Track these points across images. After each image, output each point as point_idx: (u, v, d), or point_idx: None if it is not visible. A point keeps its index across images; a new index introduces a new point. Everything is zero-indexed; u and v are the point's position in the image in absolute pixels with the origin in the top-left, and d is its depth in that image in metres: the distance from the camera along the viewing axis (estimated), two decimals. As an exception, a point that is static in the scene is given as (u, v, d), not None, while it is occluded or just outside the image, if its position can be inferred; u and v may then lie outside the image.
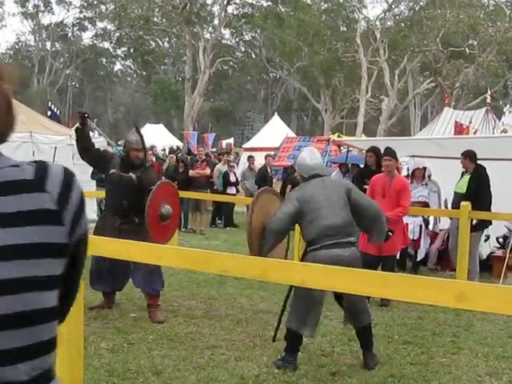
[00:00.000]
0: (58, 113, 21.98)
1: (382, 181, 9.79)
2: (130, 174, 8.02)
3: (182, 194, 14.66)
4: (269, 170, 19.65)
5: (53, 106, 23.20)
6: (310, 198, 6.45)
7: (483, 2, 49.00)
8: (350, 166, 16.47)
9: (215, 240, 16.24)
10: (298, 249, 11.11)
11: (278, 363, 6.42)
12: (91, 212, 16.99)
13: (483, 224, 11.04)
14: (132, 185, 7.98)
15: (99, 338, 7.08)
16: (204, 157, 18.86)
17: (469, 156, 11.00)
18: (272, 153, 22.75)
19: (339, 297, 6.63)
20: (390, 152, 9.94)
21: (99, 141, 19.14)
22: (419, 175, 12.27)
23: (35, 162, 1.74)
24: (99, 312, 8.22)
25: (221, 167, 20.10)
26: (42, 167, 1.72)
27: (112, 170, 8.12)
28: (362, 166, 14.41)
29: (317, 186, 6.56)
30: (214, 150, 31.14)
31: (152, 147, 21.34)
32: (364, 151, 15.28)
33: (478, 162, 11.11)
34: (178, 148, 32.61)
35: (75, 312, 4.48)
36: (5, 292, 1.54)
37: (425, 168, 12.35)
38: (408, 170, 14.92)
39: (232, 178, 19.36)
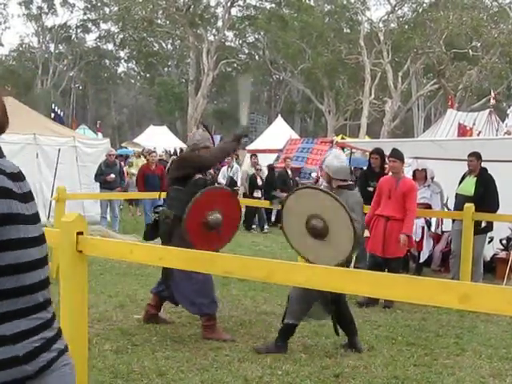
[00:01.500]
0: (61, 115, 22.01)
1: (388, 182, 9.79)
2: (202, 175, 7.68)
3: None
4: (289, 173, 19.59)
5: (56, 108, 23.25)
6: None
7: (486, 3, 49.03)
8: (352, 168, 16.48)
9: (219, 242, 16.22)
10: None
11: (260, 348, 6.78)
12: (95, 214, 17.06)
13: (487, 228, 11.04)
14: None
15: (103, 340, 7.09)
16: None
17: (477, 156, 10.98)
18: (291, 155, 22.62)
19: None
20: (396, 154, 9.93)
21: (103, 143, 19.22)
22: (420, 177, 12.25)
23: None
24: (103, 314, 8.23)
25: (225, 170, 20.13)
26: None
27: (198, 176, 7.55)
28: (365, 168, 14.40)
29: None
30: None
31: (150, 152, 21.28)
32: (368, 153, 15.31)
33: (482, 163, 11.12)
34: (181, 150, 32.57)
35: (79, 314, 4.50)
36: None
37: (425, 169, 12.33)
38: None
39: (259, 182, 19.36)
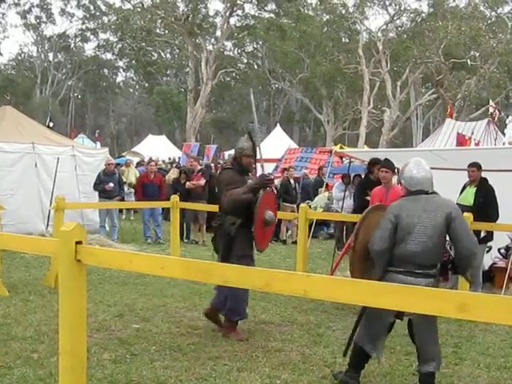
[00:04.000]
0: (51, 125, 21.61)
1: (380, 192, 9.82)
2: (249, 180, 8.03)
3: (184, 205, 14.71)
4: (292, 182, 19.44)
5: (48, 119, 22.89)
6: (407, 216, 6.01)
7: (485, 13, 49.15)
8: (352, 176, 16.49)
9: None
10: (300, 260, 11.17)
11: (339, 375, 6.38)
12: (94, 223, 17.05)
13: (486, 238, 11.04)
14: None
15: (102, 349, 7.09)
16: (199, 167, 18.75)
17: (478, 166, 11.01)
18: (293, 164, 22.57)
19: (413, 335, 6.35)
20: (388, 164, 9.95)
21: (102, 152, 19.23)
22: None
23: None
24: (102, 323, 8.22)
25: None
26: None
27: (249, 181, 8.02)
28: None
29: (417, 206, 6.08)
30: (221, 161, 31.12)
31: (150, 161, 21.30)
32: (366, 162, 15.29)
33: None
34: (174, 160, 32.72)
35: (78, 323, 4.50)
36: None
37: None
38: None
39: None
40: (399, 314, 6.09)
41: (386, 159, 10.09)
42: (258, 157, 8.24)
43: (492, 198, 10.89)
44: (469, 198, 11.06)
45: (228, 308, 7.99)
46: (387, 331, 6.37)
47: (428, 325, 6.03)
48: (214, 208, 19.08)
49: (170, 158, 37.55)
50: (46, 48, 76.66)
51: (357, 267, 6.36)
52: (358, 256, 6.38)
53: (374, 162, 11.41)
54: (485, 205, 10.75)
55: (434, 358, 6.06)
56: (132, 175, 22.25)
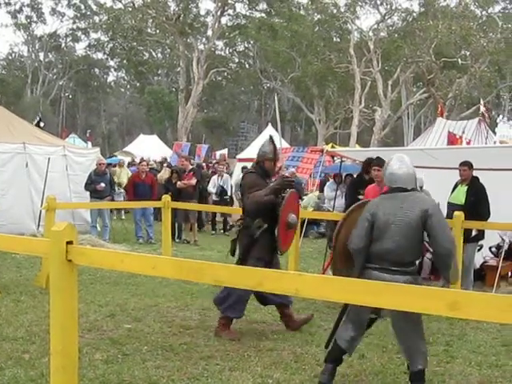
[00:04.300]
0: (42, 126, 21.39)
1: (373, 191, 9.81)
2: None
3: (176, 205, 14.69)
4: None
5: (37, 118, 22.68)
6: (383, 215, 6.00)
7: (475, 13, 49.28)
8: (344, 175, 16.50)
9: (209, 250, 16.22)
10: (291, 259, 11.18)
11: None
12: (85, 223, 17.03)
13: (478, 236, 11.07)
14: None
15: (93, 349, 7.07)
16: (190, 167, 18.75)
17: (469, 165, 11.03)
18: (284, 163, 22.54)
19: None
20: (380, 162, 9.96)
21: (93, 152, 19.20)
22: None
23: None
24: (93, 323, 8.21)
25: (216, 179, 20.11)
26: None
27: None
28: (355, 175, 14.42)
29: (394, 204, 6.04)
30: (214, 161, 31.08)
31: (142, 161, 21.29)
32: (358, 161, 15.30)
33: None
34: (165, 159, 32.66)
35: (69, 324, 4.49)
36: None
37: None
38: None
39: None
40: (376, 310, 6.04)
41: (377, 157, 10.10)
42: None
43: (483, 196, 10.91)
44: (460, 196, 11.08)
45: (227, 304, 7.96)
46: (364, 328, 6.35)
47: (407, 323, 5.96)
48: (206, 208, 19.21)
49: (161, 158, 37.52)
50: (37, 48, 76.50)
51: (339, 266, 6.39)
52: (339, 255, 6.41)
53: (370, 162, 11.38)
54: (476, 203, 10.78)
55: (419, 356, 6.04)
56: (124, 175, 22.22)
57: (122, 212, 23.38)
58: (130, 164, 28.63)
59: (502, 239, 12.41)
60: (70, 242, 4.42)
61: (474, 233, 10.85)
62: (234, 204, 20.32)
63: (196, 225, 18.19)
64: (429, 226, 5.85)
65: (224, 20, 52.24)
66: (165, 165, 23.92)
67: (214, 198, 19.93)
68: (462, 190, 11.12)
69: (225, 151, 39.43)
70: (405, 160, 6.28)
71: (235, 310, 7.99)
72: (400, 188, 6.11)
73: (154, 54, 69.16)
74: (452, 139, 18.53)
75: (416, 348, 6.04)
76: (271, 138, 8.36)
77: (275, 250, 8.05)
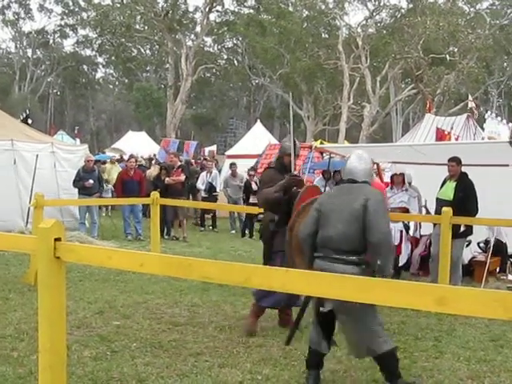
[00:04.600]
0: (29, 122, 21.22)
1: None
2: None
3: (165, 201, 14.68)
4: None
5: (24, 115, 22.49)
6: (327, 203, 6.12)
7: (463, 9, 49.43)
8: (332, 172, 16.50)
9: (198, 247, 16.23)
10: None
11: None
12: (74, 220, 16.99)
13: (466, 232, 11.09)
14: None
15: (82, 347, 7.06)
16: (179, 163, 18.74)
17: (458, 161, 11.05)
18: (271, 160, 22.52)
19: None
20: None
21: (81, 148, 19.14)
22: (398, 181, 12.32)
23: None
24: (82, 321, 8.19)
25: (204, 176, 20.11)
26: None
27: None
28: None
29: (340, 193, 6.20)
30: (203, 157, 31.04)
31: (129, 157, 21.27)
32: (347, 157, 15.22)
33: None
34: (154, 155, 32.60)
35: (57, 321, 4.48)
36: None
37: (402, 174, 12.39)
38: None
39: (254, 187, 19.24)
40: (321, 301, 6.01)
41: None
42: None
43: (471, 192, 10.93)
44: (448, 192, 11.10)
45: (262, 294, 7.87)
46: (329, 323, 6.24)
47: (348, 315, 5.90)
48: (194, 204, 19.20)
49: (149, 155, 37.46)
50: (25, 44, 76.24)
51: (296, 260, 6.39)
52: (294, 249, 6.44)
53: None
54: (464, 199, 10.80)
55: (375, 343, 5.95)
56: (115, 172, 22.17)
57: (109, 208, 23.36)
58: (118, 161, 28.56)
59: (492, 234, 12.41)
60: (58, 239, 4.41)
61: (462, 228, 10.88)
62: (223, 200, 20.33)
63: (185, 221, 18.17)
64: (366, 214, 5.84)
65: (212, 16, 52.30)
66: (153, 161, 23.90)
67: (203, 194, 19.92)
68: (451, 185, 11.14)
69: (213, 148, 39.36)
70: (362, 156, 6.41)
71: (270, 299, 7.87)
72: (350, 179, 6.22)
73: (142, 50, 69.03)
74: (440, 135, 18.59)
75: (368, 339, 5.95)
76: (292, 135, 8.42)
77: None
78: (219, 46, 65.91)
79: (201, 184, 19.99)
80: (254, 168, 21.08)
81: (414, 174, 12.92)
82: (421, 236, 12.99)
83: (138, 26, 53.28)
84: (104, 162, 24.95)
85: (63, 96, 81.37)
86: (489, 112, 20.76)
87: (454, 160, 11.06)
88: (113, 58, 68.04)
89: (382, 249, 5.86)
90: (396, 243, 11.96)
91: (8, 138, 16.33)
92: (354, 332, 6.00)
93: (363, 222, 5.83)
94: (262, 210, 8.63)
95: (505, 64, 59.14)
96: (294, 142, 8.29)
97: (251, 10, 53.60)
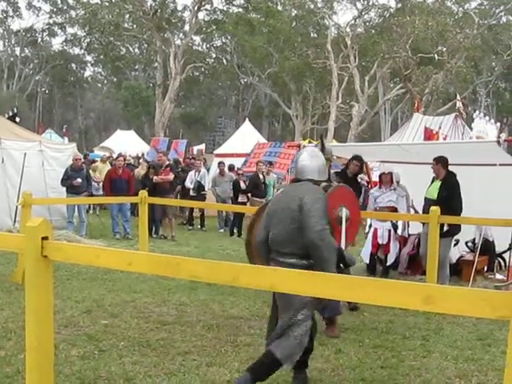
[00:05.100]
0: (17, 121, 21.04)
1: None
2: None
3: (153, 200, 14.66)
4: (261, 177, 19.21)
5: (10, 112, 22.30)
6: (273, 204, 6.09)
7: (452, 9, 49.57)
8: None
9: (187, 246, 16.21)
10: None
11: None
12: (62, 219, 16.95)
13: (454, 230, 11.12)
14: None
15: (70, 346, 7.04)
16: (167, 162, 18.73)
17: (441, 162, 11.08)
18: (261, 158, 22.52)
19: None
20: (359, 157, 10.11)
21: (70, 147, 19.09)
22: (386, 180, 12.32)
23: None
24: (70, 319, 8.17)
25: (193, 174, 20.07)
26: None
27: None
28: (332, 171, 14.42)
29: (285, 193, 6.14)
30: (191, 156, 30.99)
31: (117, 156, 21.24)
32: (335, 157, 15.28)
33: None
34: (142, 154, 32.56)
35: (44, 320, 4.47)
36: None
37: (391, 173, 12.40)
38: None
39: (242, 186, 19.27)
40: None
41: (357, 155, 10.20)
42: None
43: (455, 191, 10.95)
44: (433, 191, 11.15)
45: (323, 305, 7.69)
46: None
47: (281, 304, 5.83)
48: (182, 203, 19.20)
49: (136, 154, 37.40)
50: (13, 42, 75.87)
51: (256, 261, 6.36)
52: (254, 250, 6.42)
53: (355, 158, 11.27)
54: (448, 198, 10.83)
55: (276, 339, 5.79)
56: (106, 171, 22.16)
57: (97, 208, 23.32)
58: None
59: (480, 234, 12.45)
60: (45, 238, 4.40)
61: (445, 228, 10.89)
62: (212, 199, 20.32)
63: (173, 220, 18.15)
64: (301, 214, 5.69)
65: (201, 15, 52.22)
66: (141, 160, 23.85)
67: (192, 193, 19.90)
68: (436, 185, 11.19)
69: (202, 146, 39.33)
70: (312, 154, 6.27)
71: (332, 308, 7.82)
72: (296, 179, 6.19)
73: (131, 49, 68.87)
74: (429, 134, 18.66)
75: (281, 336, 5.78)
76: (321, 136, 8.35)
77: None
78: (208, 45, 65.86)
79: (189, 183, 19.97)
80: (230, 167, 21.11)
81: (402, 173, 12.95)
82: (409, 235, 13.02)
83: (126, 25, 53.20)
84: (93, 161, 24.88)
85: (51, 94, 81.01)
86: (477, 112, 20.85)
87: (434, 160, 11.12)
88: (101, 56, 67.85)
89: (318, 250, 5.59)
90: (384, 242, 12.01)
91: (-4, 137, 16.29)
92: (283, 322, 5.83)
93: (300, 223, 5.70)
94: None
95: (493, 64, 59.37)
96: (322, 143, 8.17)
97: (240, 9, 53.53)
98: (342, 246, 7.79)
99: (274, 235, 5.85)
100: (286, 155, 23.30)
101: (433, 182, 11.46)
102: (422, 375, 6.51)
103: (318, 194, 5.88)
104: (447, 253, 11.10)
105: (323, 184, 7.72)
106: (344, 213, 7.50)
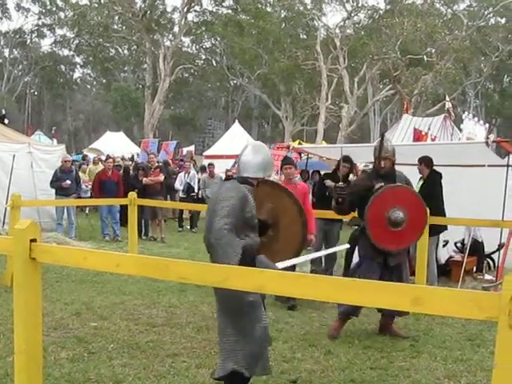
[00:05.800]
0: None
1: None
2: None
3: (142, 202, 14.63)
4: None
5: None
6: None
7: (441, 10, 49.73)
8: (311, 172, 16.55)
9: (176, 248, 16.20)
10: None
11: None
12: (51, 220, 16.90)
13: (438, 229, 11.13)
14: None
15: (59, 348, 7.02)
16: (157, 164, 18.74)
17: (424, 161, 11.14)
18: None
19: None
20: (348, 159, 10.26)
21: (59, 149, 19.04)
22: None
23: None
24: (59, 322, 8.14)
25: (182, 176, 20.07)
26: None
27: (379, 184, 7.88)
28: (323, 172, 14.46)
29: (213, 193, 5.86)
30: (180, 157, 30.97)
31: (107, 158, 21.20)
32: (325, 158, 15.31)
33: (437, 168, 11.24)
34: (132, 156, 32.54)
35: (33, 322, 4.45)
36: None
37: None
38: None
39: None
40: None
41: (285, 157, 10.34)
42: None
43: (435, 191, 10.95)
44: (418, 191, 11.19)
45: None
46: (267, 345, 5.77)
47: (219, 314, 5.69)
48: (172, 204, 19.15)
49: (122, 155, 37.35)
50: (2, 44, 75.55)
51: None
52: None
53: (345, 160, 11.26)
54: (427, 197, 10.84)
55: (229, 355, 5.44)
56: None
57: (86, 208, 23.27)
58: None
59: (469, 234, 12.47)
60: (33, 240, 4.38)
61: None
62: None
63: (163, 222, 18.13)
64: None
65: (190, 16, 52.23)
66: (126, 162, 23.80)
67: (181, 194, 19.88)
68: (419, 185, 11.24)
69: (192, 148, 39.31)
70: (259, 148, 5.84)
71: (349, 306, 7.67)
72: (229, 176, 6.06)
73: (120, 50, 68.74)
74: (418, 136, 18.69)
75: (224, 347, 5.52)
76: (382, 135, 8.32)
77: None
78: (197, 47, 65.77)
79: (179, 184, 19.96)
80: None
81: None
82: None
83: (115, 26, 53.17)
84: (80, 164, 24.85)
85: (40, 96, 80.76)
86: (466, 113, 20.90)
87: (418, 160, 11.22)
88: (90, 58, 67.69)
89: (212, 248, 5.32)
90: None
91: (-16, 139, 16.24)
92: (221, 336, 5.63)
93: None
94: None
95: (482, 65, 59.48)
96: (382, 141, 8.09)
97: (229, 11, 53.54)
98: (336, 249, 7.86)
99: (205, 235, 5.52)
100: (275, 156, 23.28)
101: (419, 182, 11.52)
102: (412, 376, 6.52)
103: (231, 193, 5.40)
104: (432, 252, 11.10)
105: (378, 185, 7.73)
106: (396, 215, 7.57)
